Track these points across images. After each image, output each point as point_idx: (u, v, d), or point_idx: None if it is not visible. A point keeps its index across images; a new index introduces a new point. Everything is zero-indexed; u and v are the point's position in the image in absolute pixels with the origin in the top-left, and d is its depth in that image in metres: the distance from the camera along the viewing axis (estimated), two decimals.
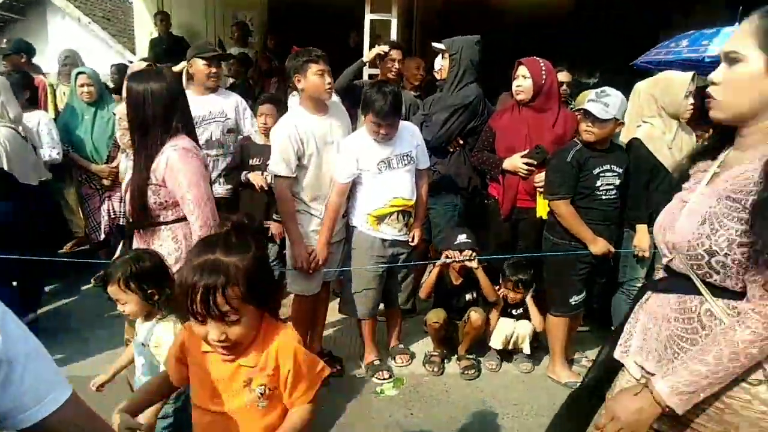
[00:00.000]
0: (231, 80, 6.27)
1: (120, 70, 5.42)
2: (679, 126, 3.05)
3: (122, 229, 4.05)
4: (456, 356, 3.40)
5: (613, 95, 2.84)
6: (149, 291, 1.89)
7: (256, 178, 3.61)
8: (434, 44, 3.70)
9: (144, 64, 3.82)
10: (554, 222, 3.03)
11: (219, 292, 1.21)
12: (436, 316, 3.28)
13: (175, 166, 2.16)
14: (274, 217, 3.69)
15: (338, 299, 3.39)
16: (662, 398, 1.18)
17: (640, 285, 2.88)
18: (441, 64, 3.74)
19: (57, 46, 7.15)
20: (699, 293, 1.22)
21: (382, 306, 3.36)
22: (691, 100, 3.00)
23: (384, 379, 3.16)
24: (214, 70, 3.61)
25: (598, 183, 2.92)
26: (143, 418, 1.79)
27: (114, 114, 4.03)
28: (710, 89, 1.23)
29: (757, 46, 1.14)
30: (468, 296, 3.37)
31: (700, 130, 3.38)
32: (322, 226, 2.96)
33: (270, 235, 3.88)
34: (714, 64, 1.33)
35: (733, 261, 1.15)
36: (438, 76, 3.94)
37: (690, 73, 3.04)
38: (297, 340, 1.39)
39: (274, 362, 1.35)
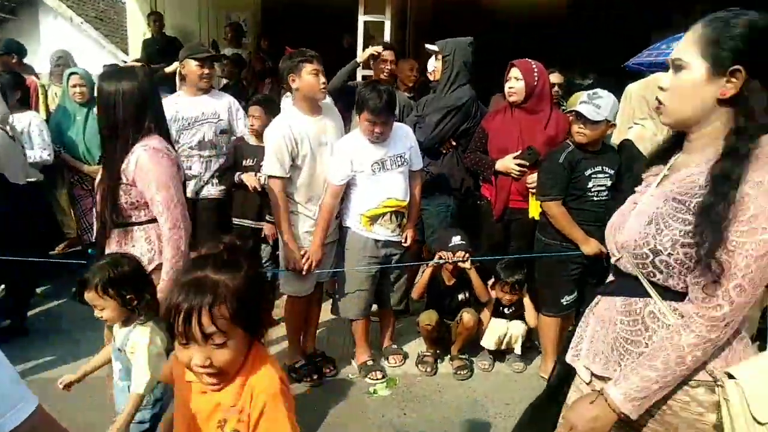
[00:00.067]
0: (224, 81, 6.26)
1: None
2: None
3: None
4: (449, 356, 3.41)
5: (605, 97, 2.86)
6: (128, 296, 1.85)
7: (249, 179, 3.61)
8: (427, 46, 3.72)
9: (137, 65, 3.81)
10: (546, 223, 3.04)
11: (206, 310, 1.11)
12: (428, 319, 3.29)
13: (145, 166, 2.12)
14: (267, 218, 3.69)
15: (331, 300, 3.39)
16: (617, 405, 1.21)
17: None
18: (434, 65, 3.76)
19: (49, 47, 7.13)
20: (644, 295, 1.26)
21: (375, 307, 3.37)
22: None
23: (377, 379, 3.16)
24: (206, 71, 3.60)
25: (590, 184, 2.93)
26: (114, 428, 1.77)
27: None
28: (659, 95, 1.27)
29: (700, 54, 1.17)
30: (460, 296, 3.38)
31: None
32: (316, 227, 2.96)
33: (263, 236, 3.88)
34: None
35: (676, 261, 1.18)
36: (431, 78, 3.96)
37: None
38: (279, 388, 1.25)
39: (249, 405, 1.23)
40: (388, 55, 3.99)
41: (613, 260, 1.36)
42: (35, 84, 5.12)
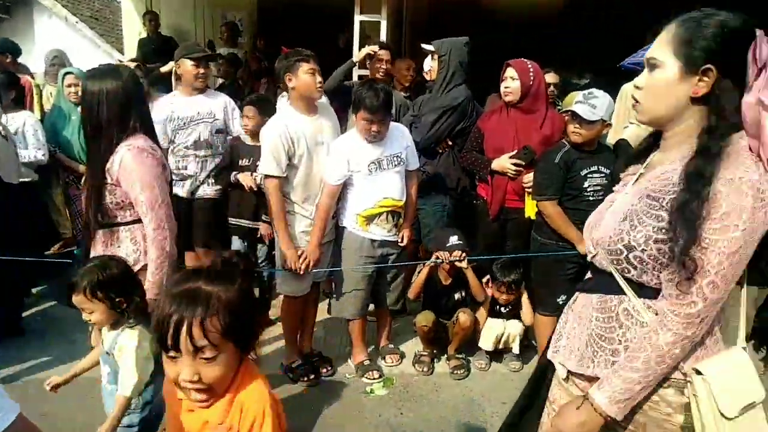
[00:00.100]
0: (220, 81, 6.25)
1: None
2: None
3: None
4: (445, 356, 3.41)
5: (600, 97, 2.87)
6: (116, 299, 1.84)
7: (245, 179, 3.60)
8: (423, 45, 3.72)
9: (133, 65, 3.81)
10: (542, 222, 3.05)
11: (197, 321, 1.07)
12: (425, 319, 3.29)
13: (129, 165, 2.10)
14: (264, 218, 3.69)
15: (328, 300, 3.39)
16: (602, 409, 1.22)
17: None
18: (430, 65, 3.76)
19: (44, 46, 7.07)
20: (619, 292, 1.27)
21: (372, 306, 3.37)
22: None
23: (374, 379, 3.17)
24: (202, 70, 3.60)
25: (586, 184, 2.94)
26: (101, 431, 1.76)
27: None
28: (635, 93, 1.28)
29: (673, 54, 1.19)
30: (457, 296, 3.38)
31: None
32: (312, 227, 2.96)
33: (259, 236, 3.88)
34: None
35: (649, 256, 1.20)
36: (427, 77, 3.96)
37: None
38: (269, 405, 1.22)
39: (238, 423, 1.19)
40: (383, 54, 3.98)
41: (589, 257, 1.38)
42: (30, 83, 5.09)
